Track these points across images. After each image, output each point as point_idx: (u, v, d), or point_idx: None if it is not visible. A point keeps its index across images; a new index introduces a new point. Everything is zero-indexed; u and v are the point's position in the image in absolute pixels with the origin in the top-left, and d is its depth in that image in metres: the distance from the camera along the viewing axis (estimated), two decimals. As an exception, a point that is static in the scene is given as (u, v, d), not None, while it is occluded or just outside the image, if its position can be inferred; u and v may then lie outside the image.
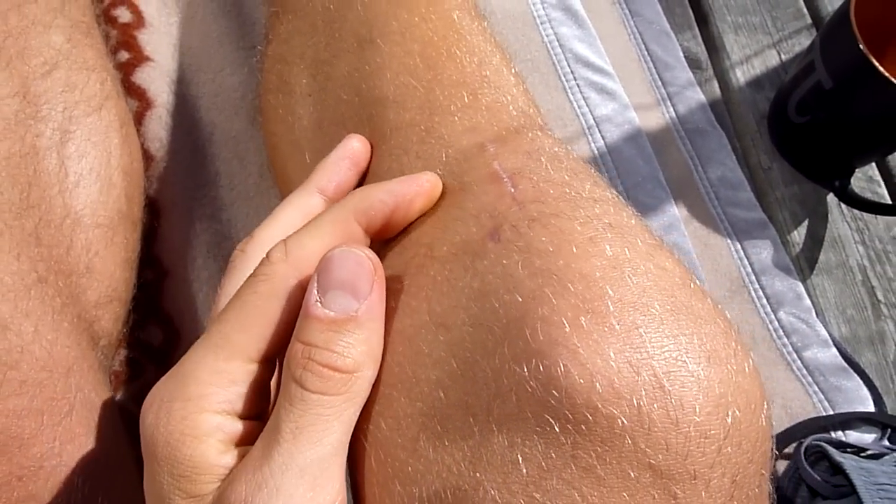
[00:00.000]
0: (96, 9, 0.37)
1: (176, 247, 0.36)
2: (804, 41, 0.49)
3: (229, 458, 0.19)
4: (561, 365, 0.16)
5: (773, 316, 0.41)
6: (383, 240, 0.23)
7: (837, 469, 0.34)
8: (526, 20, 0.44)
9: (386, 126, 0.25)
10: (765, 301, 0.41)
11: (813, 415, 0.38)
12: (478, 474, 0.17)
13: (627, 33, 0.47)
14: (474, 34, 0.27)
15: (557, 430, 0.16)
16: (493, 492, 0.17)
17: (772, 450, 0.19)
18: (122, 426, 0.29)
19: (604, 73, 0.44)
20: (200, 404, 0.19)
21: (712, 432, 0.16)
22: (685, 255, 0.41)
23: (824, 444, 0.35)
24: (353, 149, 0.25)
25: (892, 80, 0.36)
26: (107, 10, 0.39)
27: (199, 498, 0.19)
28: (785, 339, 0.40)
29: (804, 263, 0.44)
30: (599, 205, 0.20)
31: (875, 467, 0.34)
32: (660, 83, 0.46)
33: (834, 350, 0.40)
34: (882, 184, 0.47)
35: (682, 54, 0.47)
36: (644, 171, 0.42)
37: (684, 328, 0.17)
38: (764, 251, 0.42)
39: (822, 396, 0.39)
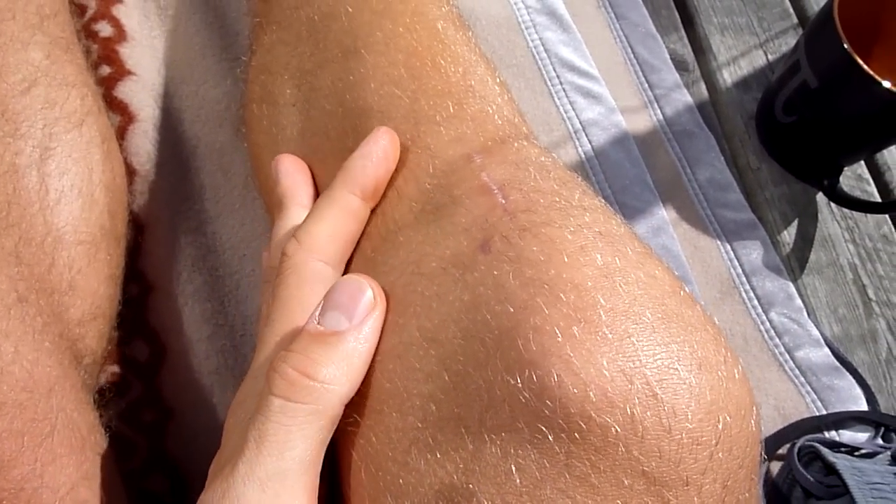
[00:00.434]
0: (76, 24, 0.37)
1: (161, 261, 0.36)
2: (790, 41, 0.49)
3: None
4: (554, 374, 0.16)
5: (764, 317, 0.40)
6: (368, 258, 0.23)
7: (831, 469, 0.34)
8: (511, 25, 0.44)
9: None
10: (756, 302, 0.41)
11: (806, 415, 0.38)
12: (471, 485, 0.17)
13: (613, 37, 0.47)
14: (458, 44, 0.27)
15: (551, 439, 0.16)
16: (486, 502, 0.17)
17: (761, 454, 0.19)
18: (107, 445, 0.29)
19: (590, 77, 0.44)
20: None
21: (704, 439, 0.17)
22: (674, 258, 0.40)
23: (817, 445, 0.35)
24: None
25: (877, 78, 0.36)
26: (87, 25, 0.38)
27: None
28: (777, 340, 0.40)
29: (795, 263, 0.44)
30: (589, 213, 0.20)
31: (868, 467, 0.33)
32: (646, 86, 0.46)
33: (826, 349, 0.40)
34: (871, 182, 0.47)
35: (668, 56, 0.47)
36: (632, 174, 0.41)
37: (675, 336, 0.17)
38: (754, 252, 0.42)
39: (814, 396, 0.39)
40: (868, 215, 0.45)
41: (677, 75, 0.47)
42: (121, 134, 0.37)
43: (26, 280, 0.28)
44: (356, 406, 0.21)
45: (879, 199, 0.46)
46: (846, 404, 0.39)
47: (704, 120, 0.46)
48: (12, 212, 0.28)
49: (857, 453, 0.35)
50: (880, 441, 0.37)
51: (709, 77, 0.48)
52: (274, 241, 0.26)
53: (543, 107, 0.42)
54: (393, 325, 0.21)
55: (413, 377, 0.19)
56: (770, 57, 0.49)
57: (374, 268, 0.23)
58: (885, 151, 0.48)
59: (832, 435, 0.37)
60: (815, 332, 0.40)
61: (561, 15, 0.45)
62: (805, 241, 0.44)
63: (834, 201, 0.44)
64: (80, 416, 0.27)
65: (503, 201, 0.21)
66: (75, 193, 0.32)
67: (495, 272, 0.19)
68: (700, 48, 0.49)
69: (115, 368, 0.34)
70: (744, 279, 0.41)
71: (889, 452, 0.34)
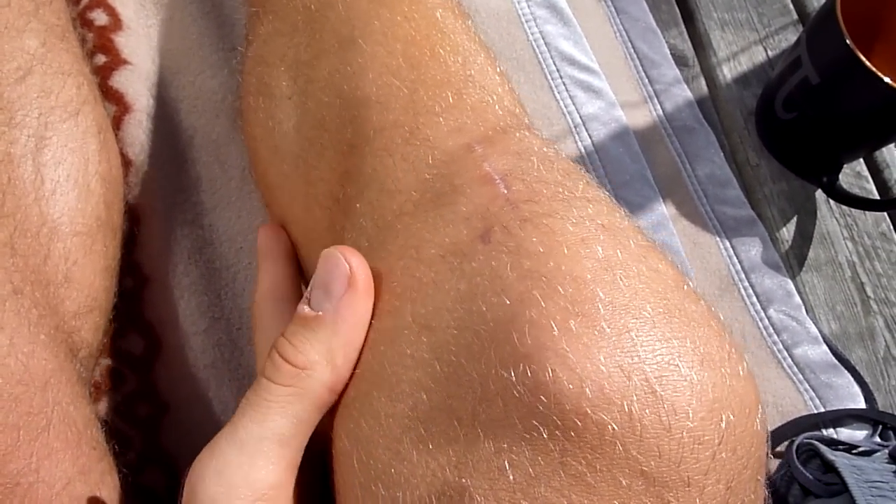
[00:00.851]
0: (72, 12, 0.37)
1: (156, 253, 0.35)
2: (791, 37, 0.49)
3: None
4: (549, 369, 0.16)
5: (762, 314, 0.40)
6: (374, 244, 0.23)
7: (829, 467, 0.34)
8: (511, 18, 0.44)
9: (369, 127, 0.24)
10: (755, 299, 0.41)
11: (804, 412, 0.38)
12: (463, 480, 0.17)
13: (613, 31, 0.46)
14: (458, 33, 0.26)
15: (546, 436, 0.16)
16: (479, 498, 0.16)
17: (767, 454, 0.18)
18: (102, 439, 0.28)
19: (590, 71, 0.44)
20: None
21: (706, 438, 0.16)
22: (674, 254, 0.40)
23: (816, 443, 0.35)
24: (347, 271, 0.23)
25: (879, 74, 0.36)
26: (82, 13, 0.38)
27: None
28: (775, 337, 0.40)
29: (793, 260, 0.44)
30: (593, 205, 0.20)
31: (867, 465, 0.33)
32: (646, 81, 0.45)
33: (824, 347, 0.40)
34: (870, 179, 0.47)
35: (668, 51, 0.47)
36: (632, 169, 0.41)
37: (677, 331, 0.17)
38: (753, 248, 0.42)
39: (813, 394, 0.39)
40: (867, 213, 0.45)
41: (677, 70, 0.46)
42: (116, 124, 0.36)
43: (21, 272, 0.27)
44: (347, 387, 0.21)
45: (878, 197, 0.46)
46: (844, 402, 0.39)
47: (704, 116, 0.45)
48: (7, 202, 0.28)
49: (855, 451, 0.35)
50: (878, 439, 0.37)
51: (709, 73, 0.48)
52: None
53: (543, 101, 0.42)
54: (388, 308, 0.21)
55: (403, 363, 0.19)
56: (770, 53, 0.49)
57: (370, 253, 0.22)
58: (884, 149, 0.48)
59: (830, 433, 0.38)
60: (814, 330, 0.40)
61: (561, 8, 0.45)
62: (804, 238, 0.44)
63: (833, 198, 0.44)
64: (76, 409, 0.27)
65: (505, 191, 0.20)
66: (71, 184, 0.31)
67: (493, 263, 0.18)
68: (700, 43, 0.49)
69: (110, 362, 0.34)
70: (743, 276, 0.41)
71: (887, 450, 0.34)
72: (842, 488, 0.32)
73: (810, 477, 0.34)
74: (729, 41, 0.49)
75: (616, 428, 0.15)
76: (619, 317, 0.17)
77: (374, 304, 0.21)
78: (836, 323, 0.43)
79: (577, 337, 0.16)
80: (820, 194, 0.45)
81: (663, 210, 0.41)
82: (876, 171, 0.47)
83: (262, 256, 0.28)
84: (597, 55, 0.44)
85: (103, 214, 0.32)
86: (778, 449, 0.37)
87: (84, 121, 0.33)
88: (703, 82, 0.48)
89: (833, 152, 0.43)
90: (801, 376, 0.39)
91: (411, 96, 0.24)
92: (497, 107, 0.24)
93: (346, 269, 0.21)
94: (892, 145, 0.48)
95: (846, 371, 0.39)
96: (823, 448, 0.34)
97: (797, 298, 0.41)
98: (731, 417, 0.16)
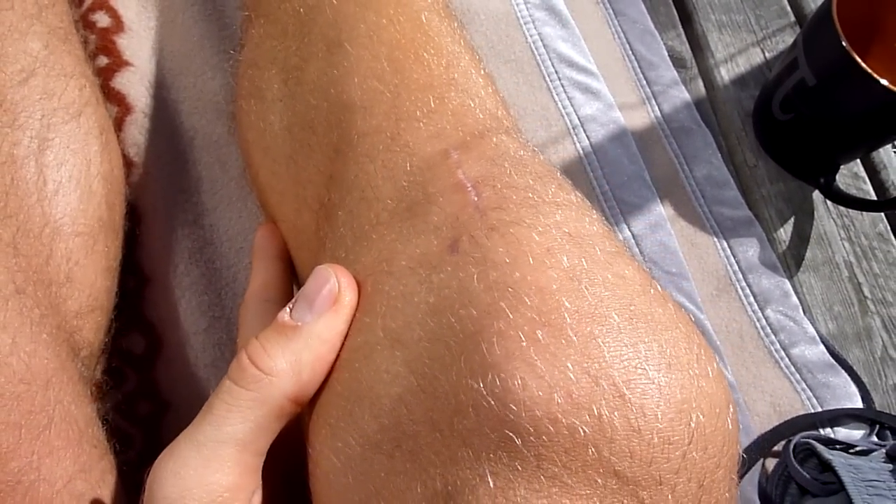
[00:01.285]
0: (74, 14, 0.37)
1: (157, 253, 0.35)
2: (788, 39, 0.49)
3: None
4: (518, 378, 0.16)
5: (760, 314, 0.41)
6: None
7: (826, 466, 0.34)
8: (509, 20, 0.44)
9: (353, 132, 0.25)
10: (752, 299, 0.41)
11: (801, 412, 0.38)
12: (449, 488, 0.17)
13: (611, 33, 0.47)
14: (443, 35, 0.26)
15: (519, 443, 0.16)
16: None
17: (740, 454, 0.19)
18: (103, 438, 0.28)
19: (588, 73, 0.44)
20: None
21: (675, 438, 0.16)
22: (672, 254, 0.40)
23: (813, 442, 0.35)
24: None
25: (875, 76, 0.36)
26: (85, 15, 0.38)
27: None
28: (773, 337, 0.40)
29: (791, 261, 0.44)
30: (561, 211, 0.20)
31: (864, 464, 0.34)
32: (644, 82, 0.46)
33: (821, 347, 0.40)
34: (867, 180, 0.47)
35: (666, 53, 0.47)
36: (630, 170, 0.42)
37: (643, 336, 0.17)
38: (750, 249, 0.42)
39: (810, 394, 0.39)
40: (864, 213, 0.46)
41: (675, 72, 0.47)
42: (118, 125, 0.37)
43: (24, 271, 0.27)
44: (328, 406, 0.21)
45: (875, 198, 0.47)
46: (841, 402, 0.39)
47: (702, 117, 0.46)
48: (10, 203, 0.28)
49: (852, 450, 0.35)
50: (875, 438, 0.37)
51: (706, 74, 0.48)
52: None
53: (542, 102, 0.42)
54: (359, 324, 0.21)
55: (380, 379, 0.19)
56: (767, 55, 0.49)
57: (346, 266, 0.23)
58: (880, 150, 0.48)
59: (827, 432, 0.38)
60: (811, 330, 0.40)
61: (560, 10, 0.45)
62: (801, 238, 0.45)
63: (830, 199, 0.44)
64: (78, 408, 0.27)
65: (476, 199, 0.20)
66: (73, 184, 0.32)
67: (461, 274, 0.19)
68: (698, 45, 0.49)
69: (111, 361, 0.34)
70: (740, 276, 0.42)
71: (884, 450, 0.35)
72: (839, 487, 0.32)
73: (807, 476, 0.34)
74: (726, 43, 0.49)
75: (587, 431, 0.16)
76: (586, 325, 0.17)
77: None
78: (834, 323, 0.43)
79: (545, 346, 0.17)
80: (817, 195, 0.46)
81: (661, 211, 0.42)
82: (873, 172, 0.48)
83: (255, 256, 0.28)
84: (595, 57, 0.45)
85: (105, 215, 0.33)
86: (775, 448, 0.38)
87: (86, 122, 0.33)
88: (700, 84, 0.48)
89: (830, 153, 0.44)
90: (798, 376, 0.39)
91: (394, 101, 0.24)
92: (478, 110, 0.24)
93: (334, 289, 0.21)
94: (888, 146, 0.48)
95: (843, 371, 0.40)
96: (820, 447, 0.34)
97: (794, 298, 0.42)
98: (701, 417, 0.17)
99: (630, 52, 0.46)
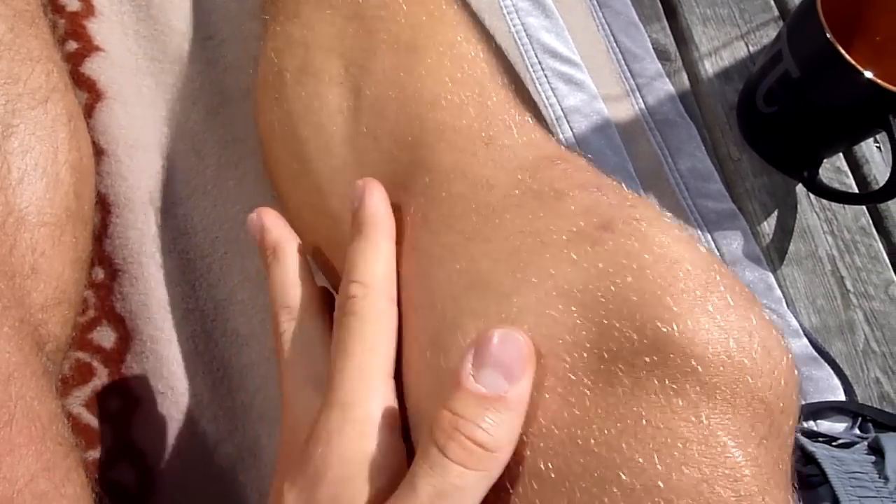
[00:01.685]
0: (42, -3, 0.36)
1: (129, 244, 0.34)
2: (772, 33, 0.49)
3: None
4: (703, 325, 0.20)
5: (744, 307, 0.40)
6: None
7: (810, 459, 0.33)
8: (492, 10, 0.44)
9: (440, 126, 0.26)
10: (736, 292, 0.41)
11: (785, 406, 0.38)
12: (635, 409, 0.20)
13: (596, 24, 0.46)
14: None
15: (701, 371, 0.20)
16: (653, 422, 0.20)
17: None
18: (69, 435, 0.27)
19: (571, 64, 0.43)
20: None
21: (790, 381, 0.21)
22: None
23: (796, 434, 0.35)
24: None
25: (859, 67, 0.36)
26: (53, -1, 0.37)
27: None
28: (756, 331, 0.40)
29: (774, 254, 0.44)
30: (665, 216, 0.24)
31: (847, 456, 0.33)
32: (628, 74, 0.45)
33: (804, 340, 0.40)
34: (850, 174, 0.47)
35: (650, 45, 0.47)
36: (613, 162, 0.41)
37: (757, 309, 0.22)
38: (734, 242, 0.42)
39: (793, 387, 0.39)
40: (846, 207, 0.46)
41: (659, 65, 0.46)
42: (88, 112, 0.35)
43: (-15, 261, 0.26)
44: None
45: (857, 191, 0.47)
46: (824, 394, 0.39)
47: (686, 110, 0.45)
48: None
49: (835, 443, 0.35)
50: (857, 431, 0.37)
51: (690, 67, 0.48)
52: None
53: (524, 93, 0.42)
54: (526, 284, 0.22)
55: (556, 329, 0.21)
56: (751, 48, 0.49)
57: (485, 241, 0.24)
58: (863, 144, 0.48)
59: (810, 424, 0.38)
60: (795, 323, 0.40)
61: (543, 1, 0.45)
62: (784, 231, 0.44)
63: (813, 192, 0.44)
64: (41, 404, 0.26)
65: (605, 197, 0.23)
66: (39, 173, 0.30)
67: (626, 246, 0.22)
68: (682, 38, 0.49)
69: (80, 355, 0.33)
70: (724, 269, 0.41)
71: (867, 442, 0.34)
72: (822, 479, 0.32)
73: (791, 469, 0.34)
74: (711, 36, 0.49)
75: (748, 367, 0.20)
76: (734, 294, 0.21)
77: (505, 283, 0.23)
78: (817, 316, 0.43)
79: (717, 305, 0.21)
80: (801, 189, 0.46)
81: (645, 203, 0.41)
82: (856, 167, 0.48)
83: (281, 250, 0.28)
84: (579, 48, 0.44)
85: (73, 204, 0.31)
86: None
87: (53, 108, 0.32)
88: (685, 77, 0.48)
89: (813, 146, 0.43)
90: (781, 369, 0.39)
91: (482, 106, 0.27)
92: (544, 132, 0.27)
93: (526, 350, 0.21)
94: (871, 141, 0.48)
95: (826, 364, 0.39)
96: (804, 440, 0.34)
97: (778, 292, 0.41)
98: (796, 372, 0.22)
99: (614, 44, 0.46)
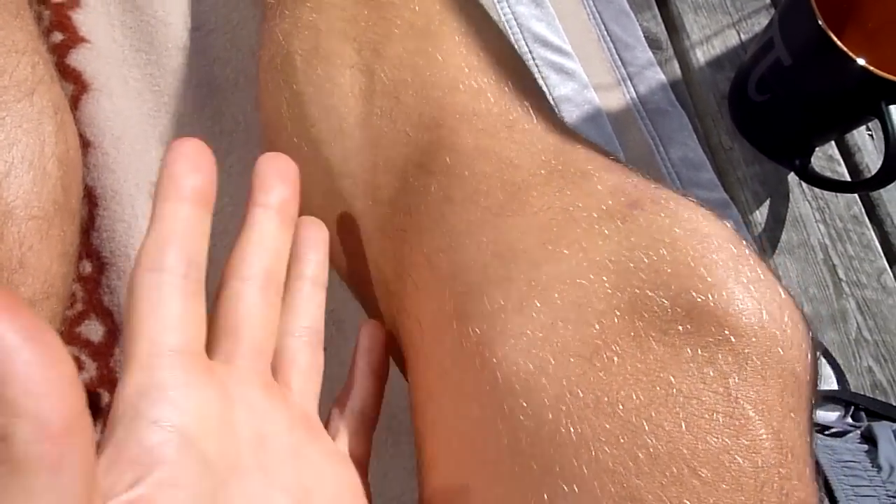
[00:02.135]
0: (27, -12, 0.35)
1: (116, 237, 0.34)
2: (763, 21, 0.49)
3: None
4: (738, 295, 0.21)
5: (736, 296, 0.40)
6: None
7: (802, 448, 0.33)
8: (483, -1, 0.43)
9: (460, 109, 0.27)
10: (728, 282, 0.41)
11: (777, 394, 0.38)
12: (669, 376, 0.21)
13: (587, 13, 0.46)
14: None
15: (734, 340, 0.21)
16: (684, 389, 0.20)
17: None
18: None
19: (562, 53, 0.43)
20: None
21: (814, 358, 0.22)
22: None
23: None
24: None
25: (851, 55, 0.36)
26: (38, -10, 0.36)
27: None
28: (748, 320, 0.40)
29: (766, 243, 0.44)
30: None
31: (839, 445, 0.33)
32: (620, 63, 0.45)
33: (797, 329, 0.40)
34: (842, 162, 0.47)
35: (641, 34, 0.46)
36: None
37: (782, 283, 0.23)
38: (726, 231, 0.42)
39: (785, 376, 0.39)
40: (838, 196, 0.46)
41: (650, 53, 0.46)
42: (74, 104, 0.35)
43: (-30, 255, 0.26)
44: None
45: (849, 180, 0.47)
46: (816, 383, 0.39)
47: (677, 98, 0.45)
48: None
49: (827, 432, 0.35)
50: (850, 420, 0.37)
51: (682, 56, 0.48)
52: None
53: (516, 83, 0.42)
54: (556, 256, 0.23)
55: (586, 297, 0.22)
56: (743, 37, 0.48)
57: (512, 215, 0.24)
58: (854, 133, 0.48)
59: (803, 413, 0.38)
60: (787, 312, 0.40)
61: (534, -10, 0.44)
62: (776, 220, 0.44)
63: (805, 181, 0.44)
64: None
65: (631, 180, 0.24)
66: (26, 166, 0.30)
67: (657, 221, 0.22)
68: (673, 27, 0.48)
69: (67, 349, 0.33)
70: (716, 259, 0.41)
71: (859, 431, 0.34)
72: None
73: (783, 458, 0.34)
74: (702, 24, 0.48)
75: (779, 338, 0.21)
76: (763, 269, 0.22)
77: (535, 254, 0.23)
78: (809, 305, 0.43)
79: (750, 278, 0.21)
80: (793, 177, 0.45)
81: (637, 193, 0.41)
82: (847, 155, 0.48)
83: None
84: (570, 37, 0.44)
85: (60, 198, 0.31)
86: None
87: (39, 101, 0.32)
88: (676, 65, 0.47)
89: (805, 134, 0.43)
90: (774, 358, 0.39)
91: (500, 91, 0.27)
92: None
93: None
94: (863, 129, 0.48)
95: (818, 353, 0.39)
96: (796, 429, 0.34)
97: (770, 281, 0.41)
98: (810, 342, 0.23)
99: (605, 33, 0.45)
